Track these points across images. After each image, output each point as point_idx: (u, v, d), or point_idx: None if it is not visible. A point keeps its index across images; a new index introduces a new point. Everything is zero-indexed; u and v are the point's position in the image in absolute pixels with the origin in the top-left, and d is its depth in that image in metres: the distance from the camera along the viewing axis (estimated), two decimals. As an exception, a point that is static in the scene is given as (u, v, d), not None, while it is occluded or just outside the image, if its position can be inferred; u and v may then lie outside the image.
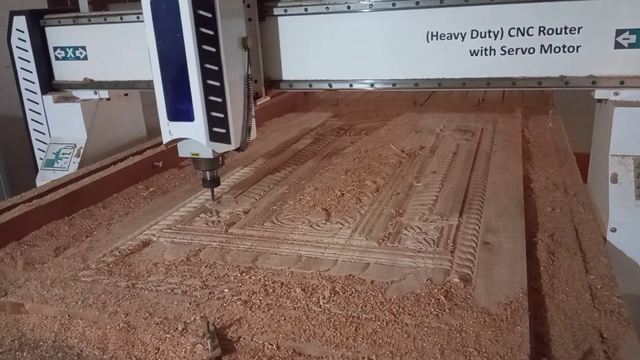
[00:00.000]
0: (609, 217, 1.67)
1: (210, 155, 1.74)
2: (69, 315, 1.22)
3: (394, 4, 1.88)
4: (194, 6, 1.56)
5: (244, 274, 1.35)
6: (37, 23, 2.41)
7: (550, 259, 1.38)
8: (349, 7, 1.92)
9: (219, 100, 1.69)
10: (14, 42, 2.45)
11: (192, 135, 1.69)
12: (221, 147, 1.75)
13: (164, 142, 1.74)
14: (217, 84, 1.67)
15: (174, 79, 1.65)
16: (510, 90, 3.78)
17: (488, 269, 1.32)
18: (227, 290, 1.28)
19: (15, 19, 2.42)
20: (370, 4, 1.90)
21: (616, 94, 1.76)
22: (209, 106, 1.67)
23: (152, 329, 1.13)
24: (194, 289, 1.29)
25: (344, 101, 3.71)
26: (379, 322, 1.12)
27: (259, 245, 1.52)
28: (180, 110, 1.68)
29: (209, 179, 1.86)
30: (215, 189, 1.92)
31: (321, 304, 1.20)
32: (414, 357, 1.01)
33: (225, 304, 1.21)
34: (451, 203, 1.74)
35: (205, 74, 1.63)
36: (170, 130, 1.70)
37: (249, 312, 1.18)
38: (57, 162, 2.43)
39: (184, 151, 1.76)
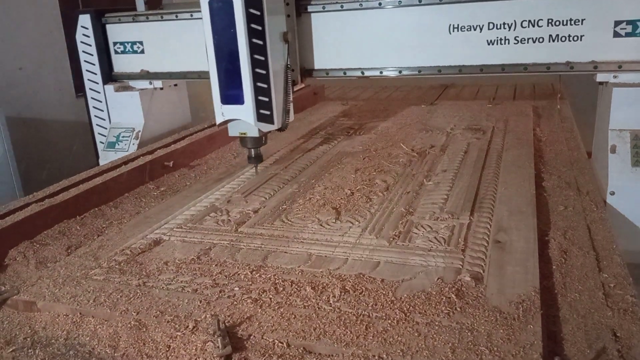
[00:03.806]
0: (608, 183, 1.89)
1: (256, 134, 2.00)
2: (80, 314, 1.23)
3: (420, 0, 2.14)
4: (246, 5, 1.83)
5: (254, 272, 1.35)
6: (99, 21, 2.68)
7: (562, 258, 1.36)
8: (380, 4, 2.19)
9: (265, 86, 1.95)
10: (79, 37, 2.72)
11: (241, 117, 1.96)
12: (266, 127, 2.01)
13: (217, 122, 2.01)
14: (264, 72, 1.93)
15: (227, 68, 1.92)
16: (522, 88, 3.77)
17: (500, 267, 1.31)
18: (237, 288, 1.28)
19: (81, 17, 2.69)
20: (399, 0, 2.16)
21: (615, 77, 2.00)
22: (257, 91, 1.93)
23: (163, 327, 1.14)
24: (204, 287, 1.29)
25: (354, 100, 3.71)
26: (389, 321, 1.11)
27: (269, 244, 1.52)
28: (232, 95, 1.94)
29: (253, 156, 2.12)
30: (225, 189, 1.94)
31: (331, 302, 1.19)
32: (424, 355, 1.00)
33: (235, 302, 1.21)
34: (462, 202, 1.73)
35: (254, 64, 1.90)
36: (222, 112, 1.97)
37: (259, 310, 1.18)
38: (118, 144, 2.72)
39: (233, 131, 2.02)
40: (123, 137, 2.73)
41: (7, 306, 1.29)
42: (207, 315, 1.16)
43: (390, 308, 1.16)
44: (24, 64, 4.14)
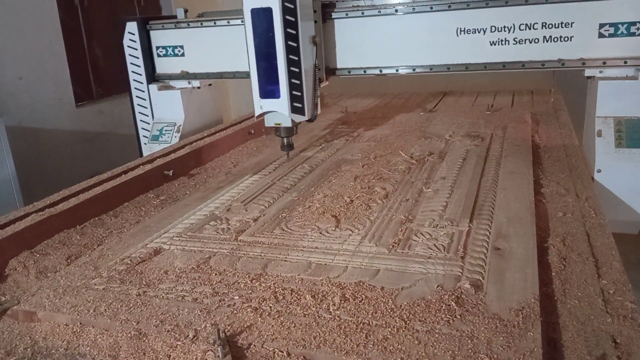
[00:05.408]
0: (595, 162, 2.17)
1: (289, 125, 2.32)
2: (80, 323, 1.23)
3: (431, 7, 2.45)
4: (283, 13, 2.13)
5: (254, 281, 1.36)
6: (144, 27, 2.97)
7: (562, 264, 1.37)
8: (396, 10, 2.51)
9: (298, 82, 2.25)
10: (126, 42, 3.00)
11: (277, 109, 2.27)
12: (298, 118, 2.31)
13: (256, 114, 2.32)
14: (297, 70, 2.23)
15: (265, 67, 2.22)
16: (520, 95, 3.79)
17: (499, 274, 1.31)
18: (237, 297, 1.28)
19: (128, 24, 2.97)
20: (413, 8, 2.47)
21: (601, 72, 2.30)
22: (291, 87, 2.24)
23: (163, 337, 1.14)
24: (204, 296, 1.29)
25: (353, 108, 3.72)
26: (389, 329, 1.11)
27: (269, 253, 1.52)
28: (269, 90, 2.25)
29: (286, 144, 2.42)
30: (225, 197, 1.96)
31: (331, 310, 1.20)
32: (425, 363, 1.00)
33: (235, 311, 1.21)
34: (461, 209, 1.73)
35: (289, 63, 2.20)
36: (261, 105, 2.28)
37: (260, 319, 1.18)
38: (161, 137, 3.03)
39: (269, 121, 2.33)
40: (166, 130, 3.03)
41: (7, 316, 1.29)
42: (207, 325, 1.17)
43: (390, 316, 1.16)
44: (24, 73, 4.15)
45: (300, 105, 2.29)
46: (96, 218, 1.90)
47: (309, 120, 2.37)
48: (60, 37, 4.46)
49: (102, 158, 4.69)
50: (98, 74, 4.94)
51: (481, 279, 1.29)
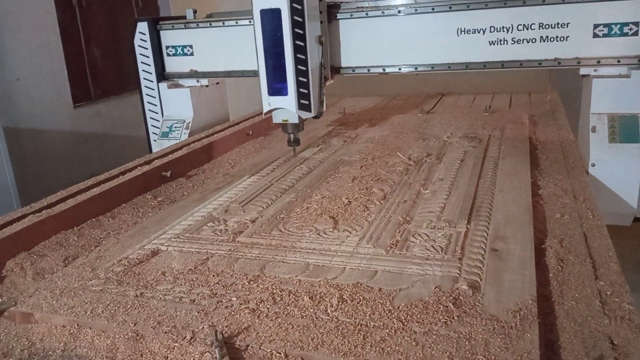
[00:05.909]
0: (590, 156, 2.27)
1: (296, 121, 2.40)
2: (78, 325, 1.22)
3: (433, 8, 2.54)
4: (291, 14, 2.23)
5: (251, 282, 1.35)
6: (155, 27, 3.05)
7: (559, 266, 1.37)
8: (399, 11, 2.60)
9: (305, 80, 2.34)
10: (137, 42, 3.09)
11: (285, 106, 2.36)
12: (305, 114, 2.40)
13: (264, 111, 2.41)
14: (304, 68, 2.33)
15: (274, 65, 2.31)
16: (518, 97, 3.79)
17: (497, 276, 1.31)
18: (235, 298, 1.28)
19: (139, 24, 3.06)
20: (415, 9, 2.56)
21: (595, 70, 2.39)
22: (298, 84, 2.33)
23: (160, 338, 1.14)
24: (202, 297, 1.29)
25: (351, 109, 3.72)
26: (387, 330, 1.11)
27: (267, 254, 1.52)
28: (277, 88, 2.34)
29: (292, 140, 2.50)
30: (222, 198, 1.96)
31: (329, 312, 1.19)
32: (422, 365, 1.00)
33: (233, 313, 1.21)
34: (459, 210, 1.73)
35: (297, 61, 2.30)
36: (269, 102, 2.37)
37: (257, 320, 1.18)
38: (171, 134, 3.11)
39: (277, 118, 2.42)
40: (175, 127, 3.11)
41: (4, 318, 1.29)
42: (205, 326, 1.16)
43: (388, 317, 1.16)
44: (22, 74, 4.15)
45: (306, 102, 2.37)
46: (94, 219, 1.89)
47: (315, 117, 2.45)
48: (58, 38, 4.45)
49: (100, 159, 4.69)
50: (96, 75, 4.94)
51: (479, 280, 1.29)
